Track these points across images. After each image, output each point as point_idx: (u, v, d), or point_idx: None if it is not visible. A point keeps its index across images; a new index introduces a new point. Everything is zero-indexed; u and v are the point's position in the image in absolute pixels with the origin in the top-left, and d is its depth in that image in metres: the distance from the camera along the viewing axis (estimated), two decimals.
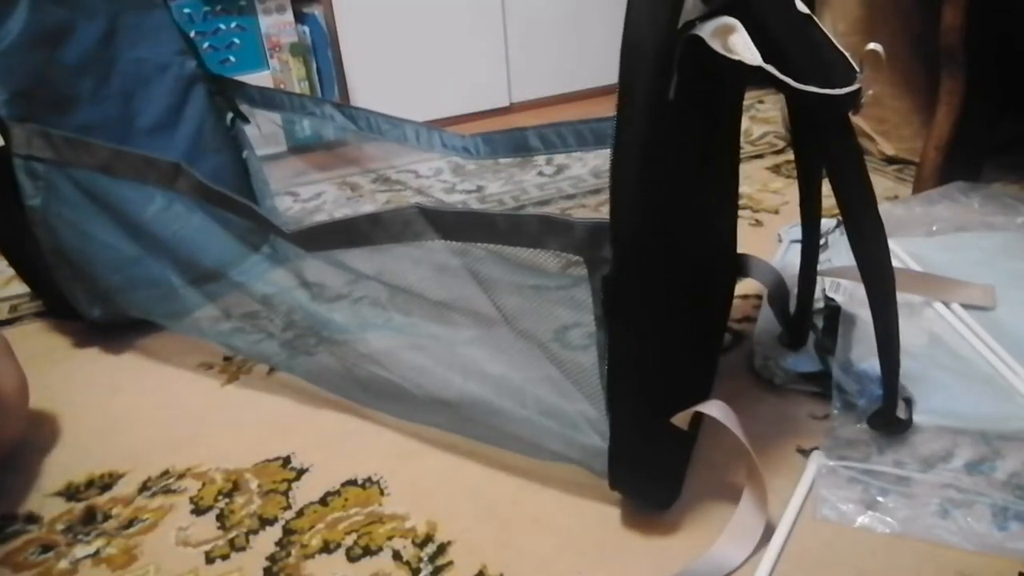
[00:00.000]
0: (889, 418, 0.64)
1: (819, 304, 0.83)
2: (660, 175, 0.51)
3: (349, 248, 0.67)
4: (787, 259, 0.94)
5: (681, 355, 0.64)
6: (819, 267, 0.90)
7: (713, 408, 0.59)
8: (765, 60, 0.48)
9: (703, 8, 0.49)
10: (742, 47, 0.48)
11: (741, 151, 1.37)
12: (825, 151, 0.57)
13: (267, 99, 1.04)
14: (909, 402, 0.68)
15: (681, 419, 0.58)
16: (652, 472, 0.62)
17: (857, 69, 0.52)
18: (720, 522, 0.61)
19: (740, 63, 0.48)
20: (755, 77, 0.48)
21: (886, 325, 0.60)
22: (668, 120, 0.50)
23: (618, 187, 0.50)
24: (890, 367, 0.61)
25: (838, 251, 0.94)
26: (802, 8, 0.58)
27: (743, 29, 0.48)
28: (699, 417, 0.62)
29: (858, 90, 0.51)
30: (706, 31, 0.47)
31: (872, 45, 0.52)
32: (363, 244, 0.65)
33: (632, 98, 0.47)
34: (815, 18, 0.58)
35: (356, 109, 1.00)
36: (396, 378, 0.73)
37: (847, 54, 0.54)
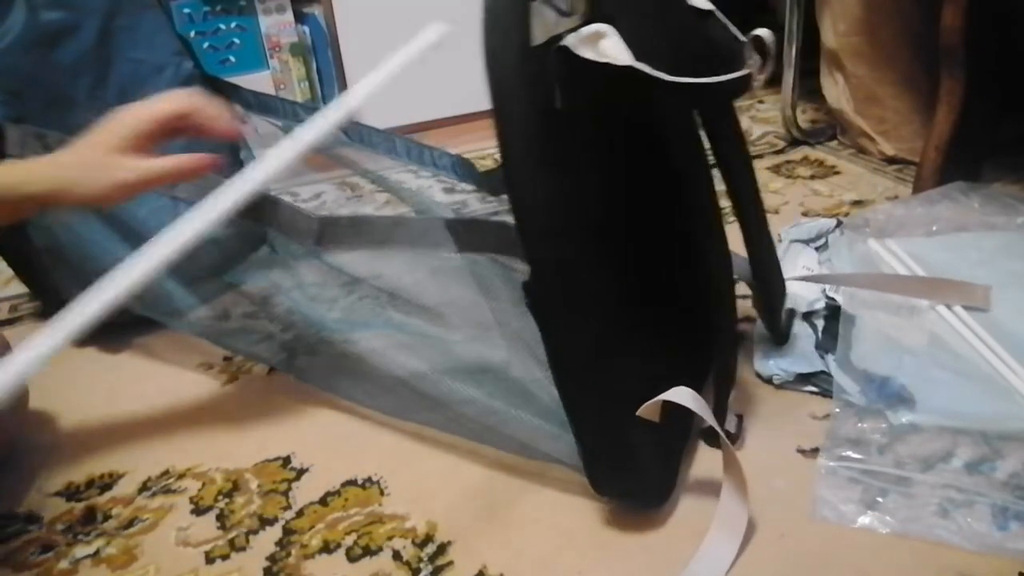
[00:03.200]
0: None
1: (819, 304, 0.83)
2: (567, 184, 0.53)
3: (366, 248, 0.67)
4: (787, 259, 0.94)
5: (642, 354, 0.63)
6: (811, 270, 0.90)
7: (680, 396, 0.58)
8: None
9: (571, 22, 0.52)
10: (612, 49, 0.49)
11: None
12: (712, 140, 0.62)
13: (262, 104, 1.05)
14: (909, 402, 0.69)
15: (650, 413, 0.58)
16: (630, 469, 0.62)
17: (752, 57, 0.56)
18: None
19: (609, 65, 0.49)
20: (633, 83, 0.49)
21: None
22: (561, 129, 0.51)
23: (517, 200, 0.52)
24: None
25: (838, 251, 0.94)
26: (700, 4, 0.62)
27: (615, 33, 0.50)
28: (690, 416, 0.61)
29: (744, 76, 0.54)
30: (572, 40, 0.49)
31: (759, 31, 0.56)
32: (379, 244, 0.65)
33: (507, 117, 0.50)
34: (716, 12, 0.62)
35: (348, 122, 1.01)
36: (392, 375, 0.73)
37: (743, 42, 0.57)
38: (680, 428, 0.67)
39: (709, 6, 0.62)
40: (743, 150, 0.69)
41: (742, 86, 0.53)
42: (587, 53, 0.49)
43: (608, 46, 0.50)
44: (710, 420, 0.60)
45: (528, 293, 0.53)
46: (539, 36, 0.50)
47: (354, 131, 1.01)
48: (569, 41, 0.49)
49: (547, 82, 0.50)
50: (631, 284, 0.64)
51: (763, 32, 0.55)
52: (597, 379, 0.57)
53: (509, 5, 0.49)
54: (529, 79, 0.49)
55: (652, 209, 0.66)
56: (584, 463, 0.61)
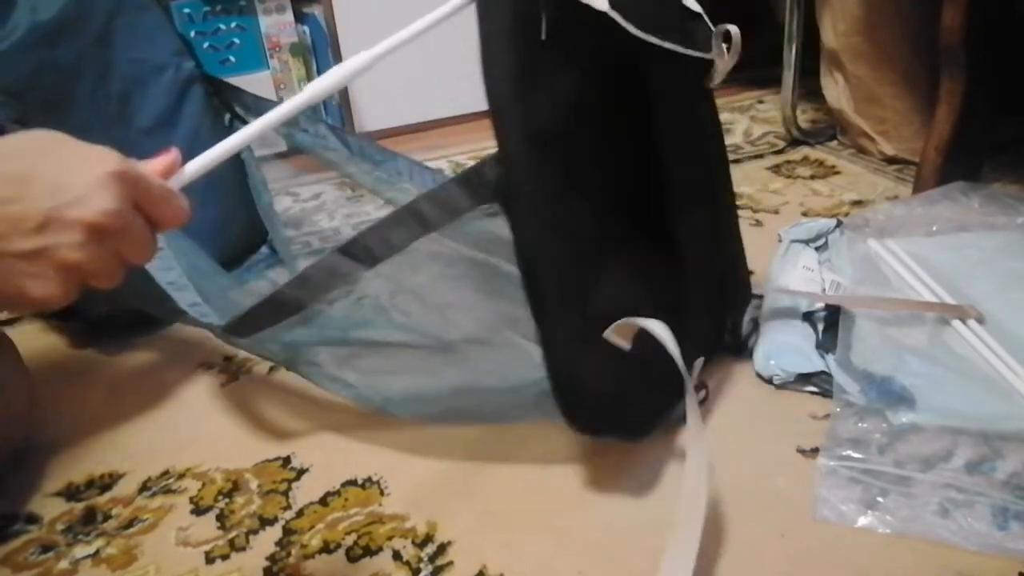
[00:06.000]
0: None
1: (819, 305, 0.83)
2: (544, 112, 0.56)
3: (288, 321, 0.65)
4: (787, 259, 0.94)
5: (619, 284, 0.62)
6: (811, 270, 0.90)
7: (651, 325, 0.57)
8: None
9: None
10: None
11: (741, 151, 1.37)
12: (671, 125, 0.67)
13: (261, 109, 1.04)
14: (909, 402, 0.69)
15: (624, 335, 0.57)
16: (603, 398, 0.61)
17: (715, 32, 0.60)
18: (720, 518, 0.61)
19: (588, 7, 0.54)
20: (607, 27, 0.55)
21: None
22: (544, 60, 0.55)
23: (498, 107, 0.54)
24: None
25: (838, 251, 0.94)
26: (691, 5, 0.65)
27: None
28: (675, 368, 0.59)
29: (707, 61, 0.58)
30: None
31: (727, 25, 0.60)
32: (297, 311, 0.64)
33: (495, 39, 0.53)
34: (703, 16, 0.64)
35: (350, 136, 1.02)
36: (393, 373, 0.73)
37: (712, 30, 0.62)
38: (665, 370, 0.62)
39: (698, 8, 0.64)
40: (708, 144, 0.71)
41: (704, 70, 0.57)
42: None
43: None
44: (678, 360, 0.57)
45: (501, 190, 0.55)
46: None
47: (355, 146, 1.01)
48: None
49: (535, 13, 0.54)
50: (609, 209, 0.65)
51: (731, 27, 0.59)
52: (568, 294, 0.57)
53: None
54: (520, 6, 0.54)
55: (634, 141, 0.68)
56: (555, 391, 0.59)
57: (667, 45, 0.57)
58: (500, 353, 0.65)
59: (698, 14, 0.64)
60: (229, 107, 1.06)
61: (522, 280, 0.56)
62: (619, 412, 0.63)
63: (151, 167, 0.44)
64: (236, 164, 1.09)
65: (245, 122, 1.08)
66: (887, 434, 0.66)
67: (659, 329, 0.58)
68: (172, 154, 0.45)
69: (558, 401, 0.60)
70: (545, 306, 0.57)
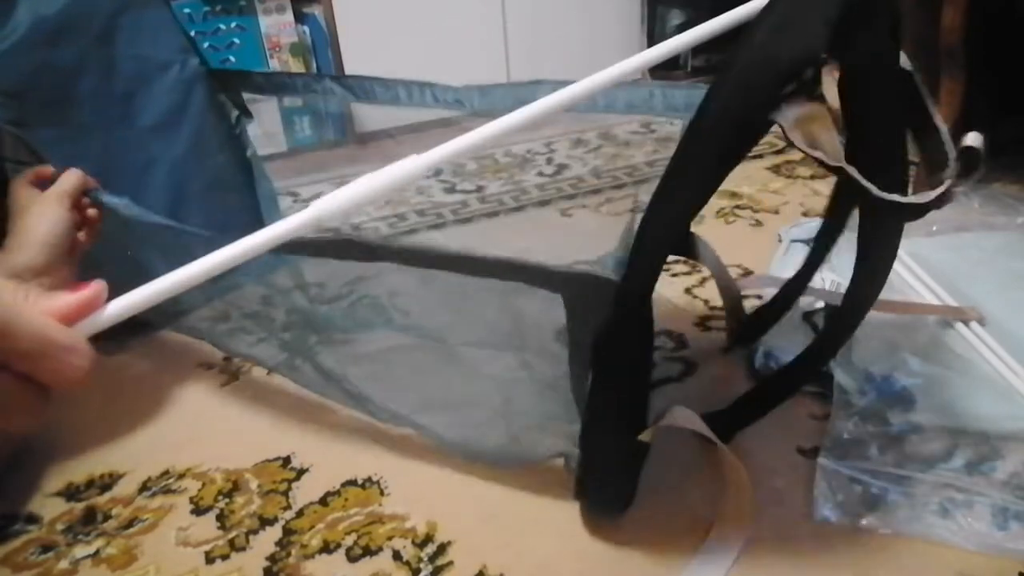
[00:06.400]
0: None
1: (819, 304, 0.83)
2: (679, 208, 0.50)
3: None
4: (787, 259, 0.94)
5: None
6: (822, 269, 0.90)
7: (686, 419, 0.58)
8: (846, 144, 0.45)
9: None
10: (826, 143, 0.44)
11: None
12: (866, 232, 0.55)
13: (273, 83, 1.02)
14: (909, 402, 0.69)
15: (647, 435, 0.58)
16: (614, 486, 0.63)
17: (952, 158, 0.48)
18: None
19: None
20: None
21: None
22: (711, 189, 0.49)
23: (642, 250, 0.48)
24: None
25: (838, 251, 0.94)
26: (905, 64, 0.53)
27: (826, 115, 0.45)
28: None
29: (945, 192, 0.45)
30: (788, 118, 0.44)
31: (970, 139, 0.47)
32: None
33: (690, 171, 0.46)
34: (916, 77, 0.52)
35: (352, 78, 0.98)
36: (392, 377, 0.73)
37: (944, 135, 0.50)
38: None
39: (908, 66, 0.54)
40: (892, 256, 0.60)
41: (939, 204, 0.45)
42: (797, 139, 0.45)
43: (820, 134, 0.45)
44: (710, 435, 0.59)
45: (598, 341, 0.51)
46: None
47: (359, 87, 0.98)
48: (786, 119, 0.44)
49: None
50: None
51: (975, 142, 0.48)
52: (623, 418, 0.57)
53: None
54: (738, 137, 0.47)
55: None
56: (579, 477, 0.61)
57: (912, 201, 0.45)
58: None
59: (909, 73, 0.54)
60: (237, 102, 1.04)
61: (584, 416, 0.56)
62: (620, 490, 0.64)
63: (53, 305, 0.36)
64: (241, 164, 1.08)
65: (252, 118, 1.07)
66: (887, 434, 0.66)
67: (692, 421, 0.59)
68: (95, 288, 0.37)
69: (587, 482, 0.61)
70: (599, 436, 0.57)
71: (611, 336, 0.51)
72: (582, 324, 0.52)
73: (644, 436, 0.57)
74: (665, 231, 0.49)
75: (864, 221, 0.55)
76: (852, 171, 0.44)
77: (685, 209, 0.49)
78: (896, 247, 0.56)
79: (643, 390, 0.57)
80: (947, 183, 0.46)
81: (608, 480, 0.62)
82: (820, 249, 0.76)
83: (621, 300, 0.50)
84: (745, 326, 0.82)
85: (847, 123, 0.47)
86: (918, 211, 0.46)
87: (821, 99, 0.45)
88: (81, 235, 0.76)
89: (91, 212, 0.78)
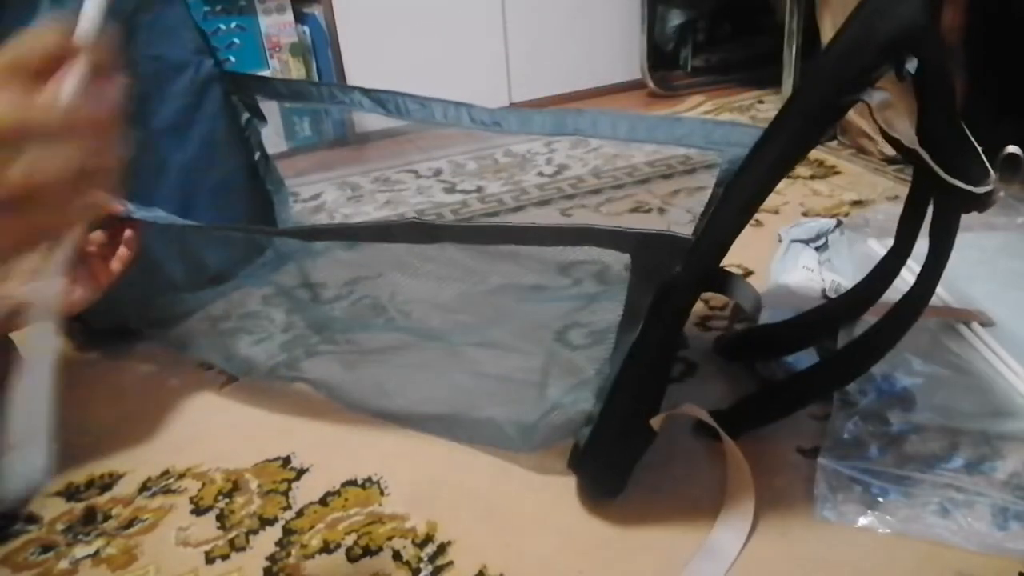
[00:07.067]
0: None
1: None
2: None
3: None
4: (787, 259, 0.94)
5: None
6: (812, 270, 0.90)
7: (690, 409, 0.60)
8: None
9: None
10: (902, 130, 0.50)
11: None
12: (937, 221, 0.60)
13: (294, 92, 1.00)
14: (909, 402, 0.69)
15: (656, 421, 0.59)
16: (614, 464, 0.63)
17: (990, 171, 0.55)
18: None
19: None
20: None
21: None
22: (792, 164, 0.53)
23: (722, 211, 0.52)
24: None
25: (838, 251, 0.94)
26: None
27: (902, 106, 0.51)
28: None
29: (991, 191, 0.53)
30: (875, 99, 0.49)
31: (1011, 148, 0.55)
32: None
33: (779, 138, 0.50)
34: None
35: (383, 92, 0.96)
36: (393, 377, 0.73)
37: (979, 149, 0.57)
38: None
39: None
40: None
41: (987, 202, 0.54)
42: (880, 120, 0.51)
43: (895, 119, 0.52)
44: (714, 424, 0.60)
45: (661, 293, 0.53)
46: None
47: (390, 101, 0.96)
48: (873, 99, 0.50)
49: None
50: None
51: (1016, 150, 0.57)
52: (647, 383, 0.59)
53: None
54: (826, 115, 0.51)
55: None
56: (586, 445, 0.62)
57: (970, 189, 0.53)
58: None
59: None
60: (250, 105, 1.03)
61: (619, 369, 0.57)
62: (619, 474, 0.65)
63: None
64: (251, 166, 1.07)
65: (265, 121, 1.05)
66: (887, 434, 0.66)
67: (699, 412, 0.61)
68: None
69: (580, 457, 0.62)
70: (621, 398, 0.58)
71: (675, 287, 0.53)
72: (646, 285, 0.53)
73: (654, 421, 0.58)
74: (753, 188, 0.51)
75: (936, 215, 0.60)
76: (924, 155, 0.50)
77: (770, 171, 0.51)
78: (954, 239, 0.59)
79: (669, 364, 0.60)
80: (993, 181, 0.54)
81: (612, 454, 0.62)
82: (904, 239, 0.75)
83: (696, 252, 0.52)
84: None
85: (920, 114, 0.53)
86: (978, 200, 0.53)
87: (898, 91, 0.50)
88: (114, 263, 0.68)
89: (127, 233, 0.69)
